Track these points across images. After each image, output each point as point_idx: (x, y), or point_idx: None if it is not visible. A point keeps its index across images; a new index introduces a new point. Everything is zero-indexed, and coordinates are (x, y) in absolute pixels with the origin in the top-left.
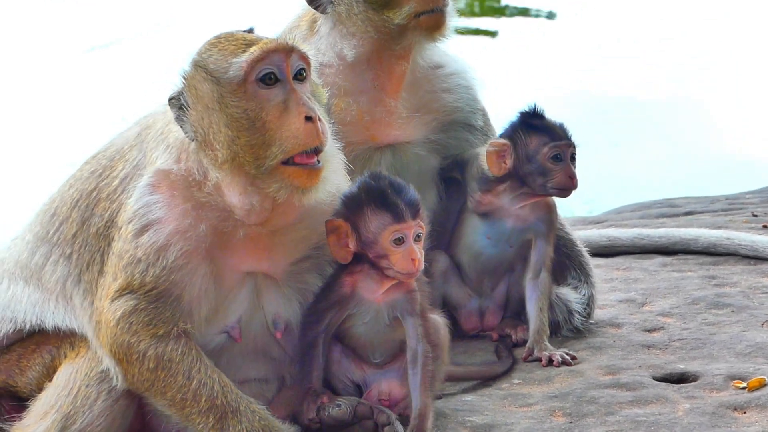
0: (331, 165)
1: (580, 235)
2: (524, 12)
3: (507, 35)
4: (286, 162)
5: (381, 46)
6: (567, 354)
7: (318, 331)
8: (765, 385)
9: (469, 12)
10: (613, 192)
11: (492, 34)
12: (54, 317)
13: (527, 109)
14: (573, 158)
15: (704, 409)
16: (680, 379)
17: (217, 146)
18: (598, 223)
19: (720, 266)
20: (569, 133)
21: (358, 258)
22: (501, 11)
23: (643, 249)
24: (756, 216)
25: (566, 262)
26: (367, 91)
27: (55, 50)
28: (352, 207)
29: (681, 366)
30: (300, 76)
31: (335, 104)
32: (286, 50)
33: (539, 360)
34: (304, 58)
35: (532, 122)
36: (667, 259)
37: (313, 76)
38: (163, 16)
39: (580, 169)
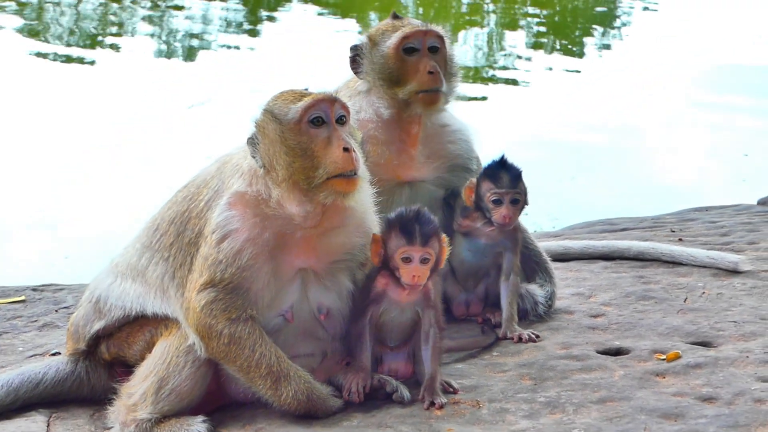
0: (363, 187)
1: (543, 246)
2: (508, 81)
3: (495, 97)
4: (330, 178)
5: (398, 111)
6: (533, 333)
7: (364, 322)
8: (679, 357)
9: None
10: (572, 212)
11: (483, 99)
12: (153, 305)
13: (495, 159)
14: (514, 202)
15: (634, 375)
16: (617, 352)
17: (279, 169)
18: (556, 236)
19: (647, 269)
20: (515, 182)
21: (387, 265)
22: (491, 80)
23: (590, 256)
24: (674, 231)
25: (535, 267)
26: (395, 143)
27: (161, 106)
28: (386, 227)
29: (617, 343)
30: (341, 120)
31: (372, 150)
32: (331, 100)
33: (512, 338)
34: (344, 107)
35: (489, 170)
36: (608, 264)
37: (351, 121)
38: (255, 80)
39: (547, 195)
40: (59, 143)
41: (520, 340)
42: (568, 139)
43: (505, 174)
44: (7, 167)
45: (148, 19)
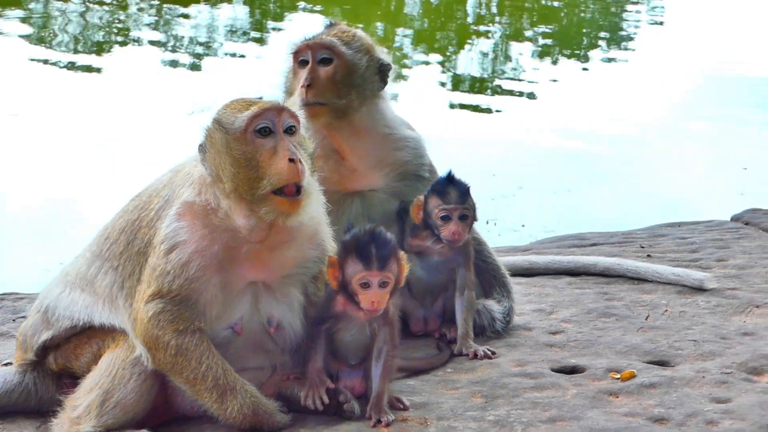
0: (311, 200)
1: (508, 260)
2: (511, 93)
3: (498, 108)
4: (276, 192)
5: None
6: (488, 350)
7: (321, 329)
8: (634, 376)
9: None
10: (569, 224)
11: (487, 110)
12: (101, 316)
13: (443, 176)
14: (463, 217)
15: (587, 394)
16: (572, 370)
17: (225, 180)
18: (524, 250)
19: (612, 285)
20: (463, 198)
21: (345, 288)
22: (494, 90)
23: (555, 271)
24: (643, 247)
25: (493, 282)
26: (330, 156)
27: (165, 113)
28: (342, 251)
29: (573, 361)
30: (290, 130)
31: (318, 164)
32: (279, 109)
33: (467, 355)
34: (294, 117)
35: (436, 187)
36: (573, 279)
37: (302, 131)
38: (261, 88)
39: (545, 205)
40: (61, 151)
41: (475, 356)
42: (568, 149)
43: (452, 190)
44: (10, 174)
45: (154, 26)
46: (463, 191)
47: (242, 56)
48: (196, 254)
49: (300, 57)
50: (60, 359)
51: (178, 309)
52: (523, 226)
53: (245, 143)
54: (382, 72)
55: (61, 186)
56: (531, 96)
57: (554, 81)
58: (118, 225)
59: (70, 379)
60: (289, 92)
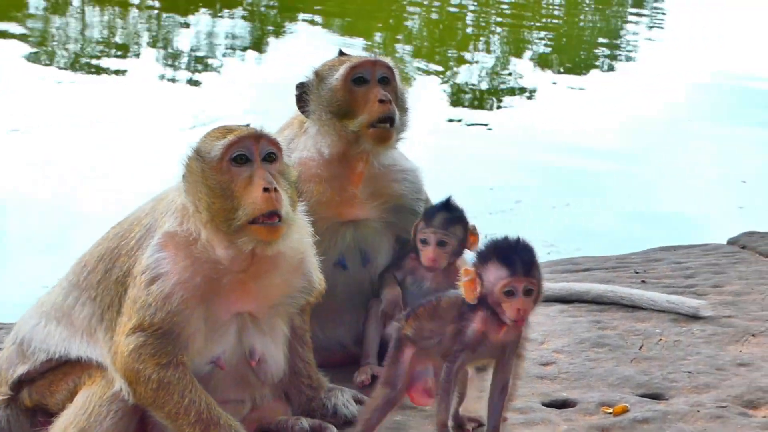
0: (294, 227)
1: None
2: (509, 106)
3: (496, 121)
4: (253, 222)
5: (345, 148)
6: None
7: (454, 371)
8: (627, 411)
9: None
10: (568, 239)
11: (485, 124)
12: (78, 349)
13: (440, 201)
14: (441, 244)
15: (577, 430)
16: (563, 404)
17: (202, 210)
18: None
19: (605, 313)
20: (447, 224)
21: (484, 301)
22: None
23: (546, 299)
24: (637, 273)
25: None
26: (337, 180)
27: (164, 127)
28: (481, 259)
29: (564, 394)
30: (269, 157)
31: (315, 189)
32: (256, 137)
33: None
34: (273, 143)
35: (428, 209)
36: (565, 307)
37: (285, 158)
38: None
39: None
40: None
41: None
42: (566, 164)
43: (439, 214)
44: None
45: (153, 38)
46: (450, 218)
47: (242, 65)
48: (179, 286)
49: (357, 74)
50: (35, 395)
51: (160, 342)
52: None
53: (221, 172)
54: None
55: (53, 207)
56: (528, 107)
57: (553, 90)
58: (96, 253)
59: (44, 417)
60: (338, 112)
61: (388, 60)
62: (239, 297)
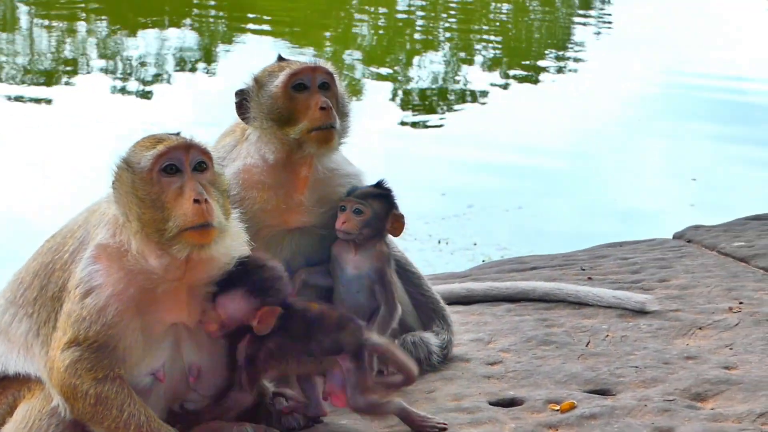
0: (227, 234)
1: (445, 288)
2: (460, 109)
3: (446, 125)
4: (185, 229)
5: (288, 154)
6: None
7: None
8: (574, 407)
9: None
10: (521, 241)
11: (437, 126)
12: (16, 365)
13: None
14: (357, 212)
15: (525, 428)
16: (510, 403)
17: (132, 220)
18: (462, 277)
19: (551, 311)
20: (366, 197)
21: None
22: (441, 106)
23: (494, 298)
24: (584, 269)
25: (432, 315)
26: (282, 187)
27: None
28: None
29: (512, 393)
30: (199, 167)
31: (259, 196)
32: (186, 147)
33: None
34: (204, 153)
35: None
36: (512, 306)
37: (216, 167)
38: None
39: (496, 223)
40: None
41: None
42: (518, 165)
43: (364, 188)
44: None
45: (102, 53)
46: (369, 193)
47: (192, 78)
48: (113, 298)
49: (297, 80)
50: None
51: (96, 356)
52: (475, 244)
53: (151, 183)
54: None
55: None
56: (479, 110)
57: (503, 93)
58: (32, 268)
59: None
60: (278, 118)
61: (327, 65)
62: (173, 307)
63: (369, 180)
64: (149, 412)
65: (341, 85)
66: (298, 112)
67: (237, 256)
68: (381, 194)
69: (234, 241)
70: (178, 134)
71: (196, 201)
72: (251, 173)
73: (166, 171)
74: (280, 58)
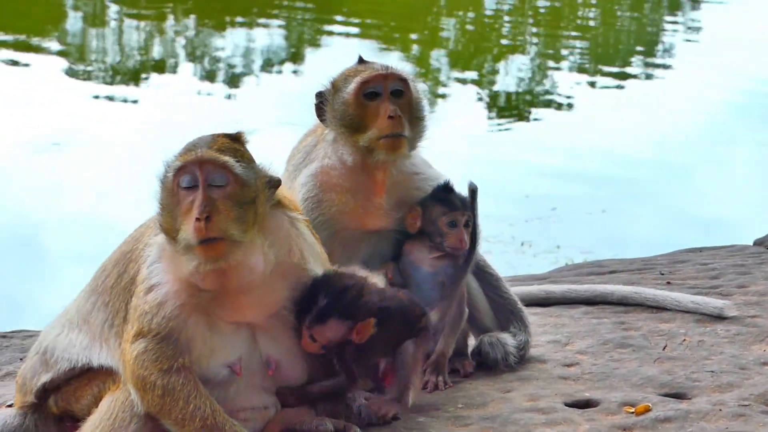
0: (248, 242)
1: (524, 290)
2: (550, 105)
3: (533, 131)
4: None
5: (361, 158)
6: (445, 381)
7: None
8: (649, 410)
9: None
10: (604, 246)
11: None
12: (99, 357)
13: (440, 184)
14: (467, 224)
15: (600, 430)
16: (585, 405)
17: (161, 228)
18: (542, 279)
19: (629, 314)
20: (467, 205)
21: None
22: (525, 113)
23: (572, 300)
24: (663, 274)
25: (510, 317)
26: (361, 191)
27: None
28: None
29: (587, 394)
30: (217, 181)
31: (337, 198)
32: (200, 162)
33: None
34: (224, 167)
35: (439, 195)
36: (590, 308)
37: (245, 175)
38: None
39: (580, 226)
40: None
41: (425, 387)
42: (603, 170)
43: (456, 197)
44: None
45: (189, 52)
46: (467, 200)
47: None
48: (171, 294)
49: (369, 88)
50: (61, 402)
51: (160, 347)
52: (558, 247)
53: (171, 195)
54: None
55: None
56: (565, 115)
57: (589, 99)
58: (114, 257)
59: (71, 422)
60: (350, 125)
61: (400, 71)
62: (230, 309)
63: (461, 184)
64: (215, 405)
65: (417, 90)
66: (369, 119)
67: (289, 258)
68: (470, 198)
69: (256, 252)
70: (239, 132)
71: (197, 220)
72: (329, 175)
73: (183, 185)
74: (361, 60)
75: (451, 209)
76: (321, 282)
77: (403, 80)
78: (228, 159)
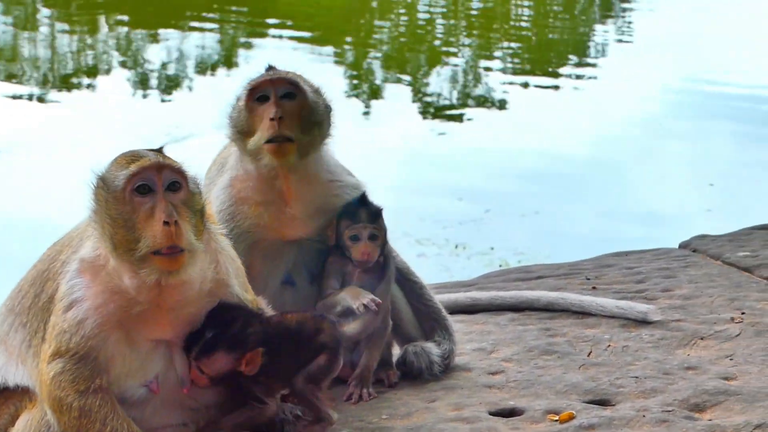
0: (199, 256)
1: (449, 297)
2: (484, 104)
3: (466, 132)
4: (155, 252)
5: (255, 165)
6: (370, 392)
7: None
8: (573, 418)
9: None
10: (538, 247)
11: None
12: (15, 377)
13: (355, 197)
14: (373, 237)
15: None
16: (510, 413)
17: (106, 239)
18: (468, 285)
19: (555, 320)
20: (373, 218)
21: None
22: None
23: (498, 307)
24: (588, 279)
25: (434, 325)
26: (272, 201)
27: (136, 143)
28: None
29: (512, 403)
30: (173, 187)
31: (250, 211)
32: (158, 167)
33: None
34: (178, 172)
35: (347, 207)
36: (515, 315)
37: (192, 186)
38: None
39: (513, 227)
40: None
41: (349, 398)
42: (536, 169)
43: (363, 210)
44: None
45: (124, 55)
46: (374, 212)
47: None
48: (92, 311)
49: (258, 93)
50: None
51: (77, 367)
52: (492, 248)
53: (123, 203)
54: (329, 114)
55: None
56: (498, 115)
57: (522, 99)
58: (30, 276)
59: None
60: (242, 131)
61: (290, 75)
62: (155, 326)
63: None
64: (133, 426)
65: (313, 93)
66: (256, 123)
67: (220, 276)
68: (380, 211)
69: (214, 259)
70: (160, 149)
71: (165, 223)
72: (239, 187)
73: (138, 191)
74: (270, 68)
75: (354, 222)
76: (207, 314)
77: (293, 84)
78: (181, 164)
